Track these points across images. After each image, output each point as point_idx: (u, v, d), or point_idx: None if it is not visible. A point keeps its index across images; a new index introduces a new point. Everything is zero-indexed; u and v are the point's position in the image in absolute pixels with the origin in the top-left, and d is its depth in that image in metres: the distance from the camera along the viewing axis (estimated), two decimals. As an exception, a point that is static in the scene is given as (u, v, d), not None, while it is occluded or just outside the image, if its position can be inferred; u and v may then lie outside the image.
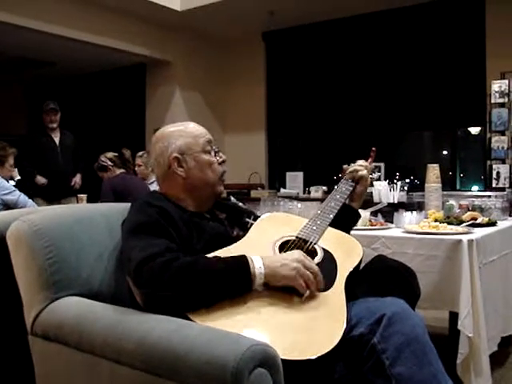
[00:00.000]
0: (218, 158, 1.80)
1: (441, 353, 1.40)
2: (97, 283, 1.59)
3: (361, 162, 2.03)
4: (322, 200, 4.17)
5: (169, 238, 1.48)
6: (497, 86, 5.65)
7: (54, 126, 5.72)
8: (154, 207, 1.57)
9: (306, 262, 1.43)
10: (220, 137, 7.51)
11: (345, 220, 1.90)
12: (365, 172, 1.97)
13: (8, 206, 3.97)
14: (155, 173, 1.82)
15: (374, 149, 2.16)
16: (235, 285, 1.38)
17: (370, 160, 2.11)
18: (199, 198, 1.74)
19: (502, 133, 5.67)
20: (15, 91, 8.96)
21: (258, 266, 1.39)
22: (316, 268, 1.44)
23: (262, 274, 1.39)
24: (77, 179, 5.78)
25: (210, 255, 1.48)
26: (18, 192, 4.12)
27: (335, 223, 1.80)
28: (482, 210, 3.08)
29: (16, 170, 4.66)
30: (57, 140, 5.75)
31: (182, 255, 1.41)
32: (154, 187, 4.55)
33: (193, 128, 1.80)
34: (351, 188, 1.95)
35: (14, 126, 8.37)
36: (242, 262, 1.40)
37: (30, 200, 4.24)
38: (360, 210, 2.03)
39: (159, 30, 6.81)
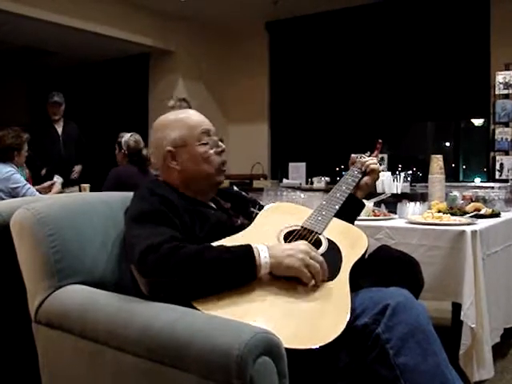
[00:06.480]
0: (215, 148, 1.74)
1: (443, 344, 1.39)
2: (100, 271, 1.59)
3: (370, 158, 2.02)
4: (324, 191, 4.15)
5: (172, 226, 1.48)
6: (501, 77, 5.63)
7: (57, 118, 5.72)
8: (157, 196, 1.56)
9: (311, 252, 1.43)
10: (223, 127, 7.48)
11: (348, 210, 1.87)
12: (377, 166, 1.96)
13: (15, 197, 3.99)
14: (154, 162, 1.82)
15: (379, 141, 2.15)
16: (241, 275, 1.37)
17: (376, 152, 2.11)
18: (197, 188, 1.72)
19: (506, 124, 5.67)
20: (17, 81, 8.92)
21: (263, 255, 1.38)
22: (321, 259, 1.43)
23: (268, 263, 1.38)
24: (76, 169, 5.77)
25: (215, 244, 1.47)
26: (27, 185, 4.16)
27: (338, 213, 1.78)
28: (485, 201, 3.08)
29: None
30: (60, 130, 5.74)
31: (188, 244, 1.40)
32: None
33: (190, 117, 1.76)
34: (357, 179, 1.94)
35: (15, 116, 8.34)
36: (247, 251, 1.39)
37: (38, 193, 4.24)
38: (363, 201, 2.01)
39: (162, 20, 6.76)
